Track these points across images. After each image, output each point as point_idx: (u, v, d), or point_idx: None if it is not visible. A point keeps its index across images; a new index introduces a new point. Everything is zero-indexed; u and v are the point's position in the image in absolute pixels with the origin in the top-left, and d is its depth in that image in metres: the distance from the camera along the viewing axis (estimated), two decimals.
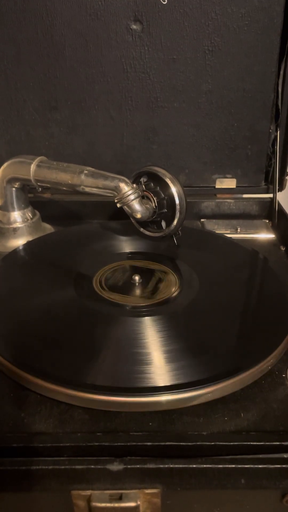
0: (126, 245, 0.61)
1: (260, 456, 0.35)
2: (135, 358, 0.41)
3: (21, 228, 0.64)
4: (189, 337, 0.44)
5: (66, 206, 0.74)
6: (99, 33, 0.65)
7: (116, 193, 0.54)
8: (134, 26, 0.65)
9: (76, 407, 0.38)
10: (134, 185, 0.54)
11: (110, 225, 0.67)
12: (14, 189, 0.63)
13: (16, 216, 0.64)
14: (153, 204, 0.56)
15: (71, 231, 0.67)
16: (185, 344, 0.43)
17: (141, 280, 0.52)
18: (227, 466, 0.35)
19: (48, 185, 0.59)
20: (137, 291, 0.51)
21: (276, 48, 0.66)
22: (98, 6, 0.64)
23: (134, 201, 0.53)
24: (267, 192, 0.75)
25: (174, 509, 0.38)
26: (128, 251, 0.60)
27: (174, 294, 0.51)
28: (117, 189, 0.53)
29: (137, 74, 0.68)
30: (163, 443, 0.35)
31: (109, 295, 0.50)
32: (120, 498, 0.35)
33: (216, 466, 0.35)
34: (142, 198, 0.55)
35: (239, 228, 0.70)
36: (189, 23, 0.65)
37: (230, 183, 0.75)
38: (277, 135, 0.71)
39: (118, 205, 0.54)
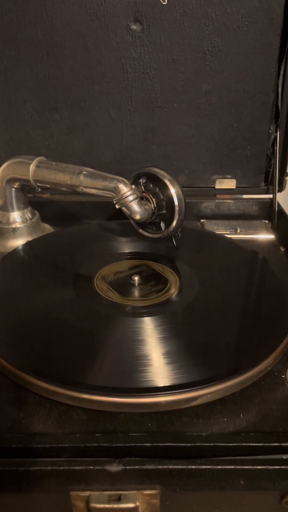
0: (126, 246, 0.61)
1: (259, 457, 0.35)
2: (134, 359, 0.41)
3: (21, 228, 0.64)
4: (189, 337, 0.44)
5: (66, 207, 0.74)
6: (99, 33, 0.65)
7: (115, 194, 0.54)
8: (134, 27, 0.65)
9: (75, 407, 0.38)
10: (133, 186, 0.54)
11: (109, 225, 0.67)
12: (13, 189, 0.63)
13: (16, 216, 0.64)
14: (152, 205, 0.56)
15: (70, 232, 0.67)
16: (184, 344, 0.43)
17: (140, 280, 0.52)
18: (226, 467, 0.35)
19: (47, 185, 0.59)
20: (137, 292, 0.51)
21: (276, 48, 0.66)
22: (98, 6, 0.64)
23: (132, 202, 0.53)
24: (267, 193, 0.75)
25: (173, 510, 0.38)
26: (127, 251, 0.60)
27: (174, 295, 0.51)
28: (116, 190, 0.53)
29: (137, 75, 0.68)
30: (162, 444, 0.35)
31: (108, 295, 0.50)
32: (119, 499, 0.35)
33: (215, 467, 0.35)
34: (141, 199, 0.55)
35: (238, 229, 0.70)
36: (189, 24, 0.65)
37: (229, 183, 0.75)
38: (277, 136, 0.71)
39: (117, 206, 0.54)
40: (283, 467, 0.35)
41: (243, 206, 0.74)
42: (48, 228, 0.69)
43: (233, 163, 0.74)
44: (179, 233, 0.57)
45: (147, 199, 0.56)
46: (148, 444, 0.35)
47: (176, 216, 0.55)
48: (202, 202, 0.74)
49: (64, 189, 0.58)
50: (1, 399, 0.40)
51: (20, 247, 0.60)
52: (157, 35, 0.65)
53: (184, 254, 0.59)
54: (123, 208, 0.54)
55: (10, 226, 0.64)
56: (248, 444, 0.36)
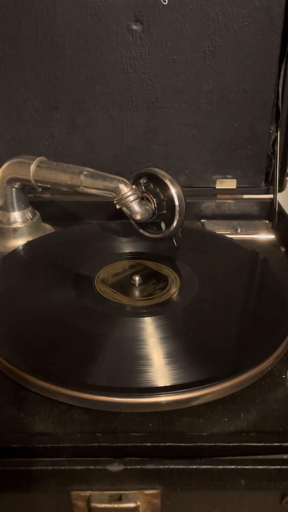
0: (126, 246, 0.61)
1: (260, 457, 0.35)
2: (135, 359, 0.41)
3: (21, 228, 0.64)
4: (189, 337, 0.44)
5: (66, 207, 0.74)
6: (100, 33, 0.65)
7: (115, 194, 0.54)
8: (134, 27, 0.65)
9: (76, 407, 0.38)
10: (134, 186, 0.54)
11: (110, 225, 0.67)
12: (14, 189, 0.63)
13: (16, 216, 0.64)
14: (153, 206, 0.56)
15: (71, 232, 0.67)
16: (185, 344, 0.43)
17: (141, 280, 0.52)
18: (226, 467, 0.35)
19: (48, 185, 0.59)
20: (137, 292, 0.51)
21: (276, 48, 0.66)
22: (99, 6, 0.64)
23: (133, 202, 0.53)
24: (267, 193, 0.75)
25: (174, 510, 0.38)
26: (128, 251, 0.60)
27: (174, 295, 0.51)
28: (116, 190, 0.53)
29: (138, 75, 0.68)
30: (162, 444, 0.35)
31: (109, 296, 0.50)
32: (119, 499, 0.35)
33: (215, 467, 0.35)
34: (142, 199, 0.55)
35: (239, 229, 0.70)
36: (189, 24, 0.64)
37: (230, 183, 0.75)
38: (277, 136, 0.71)
39: (117, 206, 0.54)
40: (283, 467, 0.35)
41: (244, 206, 0.74)
42: (48, 228, 0.69)
43: (234, 163, 0.74)
44: (179, 233, 0.57)
45: (147, 199, 0.56)
46: (148, 444, 0.35)
47: (177, 216, 0.55)
48: (202, 202, 0.74)
49: (64, 189, 0.58)
50: (1, 398, 0.40)
51: (20, 247, 0.60)
52: (158, 35, 0.65)
53: (185, 254, 0.59)
54: (124, 208, 0.54)
55: (11, 226, 0.64)
56: (248, 444, 0.36)
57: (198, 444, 0.35)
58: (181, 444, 0.35)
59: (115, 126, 0.71)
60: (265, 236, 0.69)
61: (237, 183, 0.75)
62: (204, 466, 0.35)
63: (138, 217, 0.54)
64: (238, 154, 0.74)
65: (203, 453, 0.35)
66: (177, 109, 0.70)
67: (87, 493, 0.35)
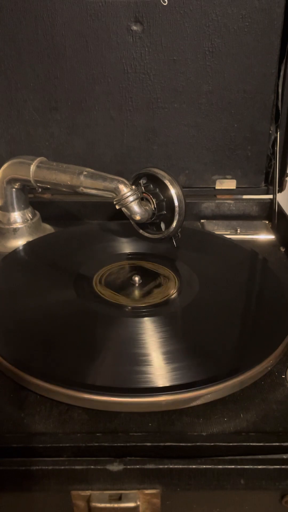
0: (126, 246, 0.61)
1: (260, 457, 0.35)
2: (135, 359, 0.41)
3: (21, 229, 0.64)
4: (189, 337, 0.44)
5: (66, 207, 0.74)
6: (100, 33, 0.65)
7: (115, 195, 0.54)
8: (134, 27, 0.65)
9: (76, 407, 0.38)
10: (133, 187, 0.54)
11: (110, 225, 0.67)
12: (14, 189, 0.63)
13: (16, 217, 0.64)
14: (152, 206, 0.56)
15: (71, 232, 0.67)
16: (184, 344, 0.43)
17: (140, 281, 0.52)
18: (226, 466, 0.35)
19: (48, 186, 0.59)
20: (137, 292, 0.51)
21: (276, 49, 0.66)
22: (99, 7, 0.64)
23: (133, 203, 0.53)
24: (267, 193, 0.75)
25: (174, 510, 0.38)
26: (128, 251, 0.60)
27: (174, 295, 0.51)
28: (116, 190, 0.53)
29: (138, 75, 0.68)
30: (162, 444, 0.35)
31: (108, 296, 0.50)
32: (119, 499, 0.35)
33: (215, 466, 0.35)
34: (141, 199, 0.55)
35: (239, 229, 0.70)
36: (189, 24, 0.65)
37: (230, 184, 0.75)
38: (277, 136, 0.71)
39: (117, 206, 0.54)
40: (283, 466, 0.35)
41: (243, 207, 0.75)
42: (48, 228, 0.69)
43: (234, 164, 0.74)
44: (179, 234, 0.57)
45: (147, 200, 0.56)
46: (148, 444, 0.35)
47: (176, 217, 0.55)
48: (202, 202, 0.74)
49: (64, 189, 0.58)
50: (2, 398, 0.40)
51: (20, 247, 0.60)
52: (158, 35, 0.65)
53: (184, 254, 0.59)
54: (123, 209, 0.54)
55: (11, 226, 0.64)
56: (248, 443, 0.36)
57: (198, 444, 0.35)
58: (181, 444, 0.35)
59: (115, 126, 0.71)
60: (265, 237, 0.69)
61: (237, 183, 0.75)
62: (204, 466, 0.35)
63: (137, 217, 0.54)
64: (238, 155, 0.74)
65: (203, 453, 0.35)
66: (177, 109, 0.70)
67: (87, 492, 0.36)
